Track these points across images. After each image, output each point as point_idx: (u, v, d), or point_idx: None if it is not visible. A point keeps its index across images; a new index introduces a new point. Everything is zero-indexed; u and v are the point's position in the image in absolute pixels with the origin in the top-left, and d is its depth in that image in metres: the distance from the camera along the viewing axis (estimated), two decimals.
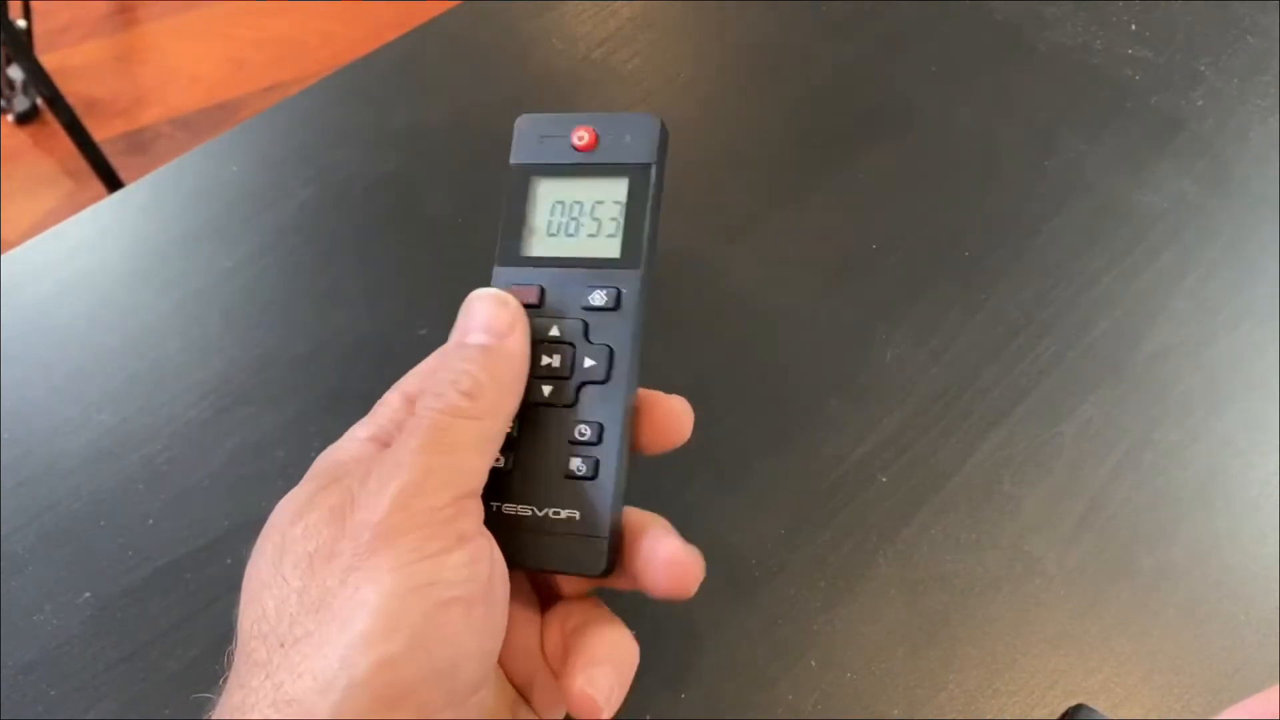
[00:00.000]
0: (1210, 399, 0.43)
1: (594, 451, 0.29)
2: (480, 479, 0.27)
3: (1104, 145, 0.50)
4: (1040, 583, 0.38)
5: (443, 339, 0.31)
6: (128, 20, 1.65)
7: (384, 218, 0.48)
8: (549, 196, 0.32)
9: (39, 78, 1.24)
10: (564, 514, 0.29)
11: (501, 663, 0.30)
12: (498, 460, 0.29)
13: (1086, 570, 0.38)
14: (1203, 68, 0.53)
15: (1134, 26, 0.55)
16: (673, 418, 0.31)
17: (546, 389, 0.30)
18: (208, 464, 0.41)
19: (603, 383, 0.30)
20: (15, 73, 1.48)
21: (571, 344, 0.30)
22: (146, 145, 1.49)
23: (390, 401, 0.31)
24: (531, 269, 0.31)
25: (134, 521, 0.39)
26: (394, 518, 0.24)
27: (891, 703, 0.36)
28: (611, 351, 0.30)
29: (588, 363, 0.30)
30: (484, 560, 0.26)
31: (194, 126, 1.51)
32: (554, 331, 0.30)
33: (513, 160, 0.32)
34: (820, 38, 0.55)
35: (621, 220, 0.31)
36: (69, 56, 1.59)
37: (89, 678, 0.36)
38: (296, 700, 0.22)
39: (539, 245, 0.31)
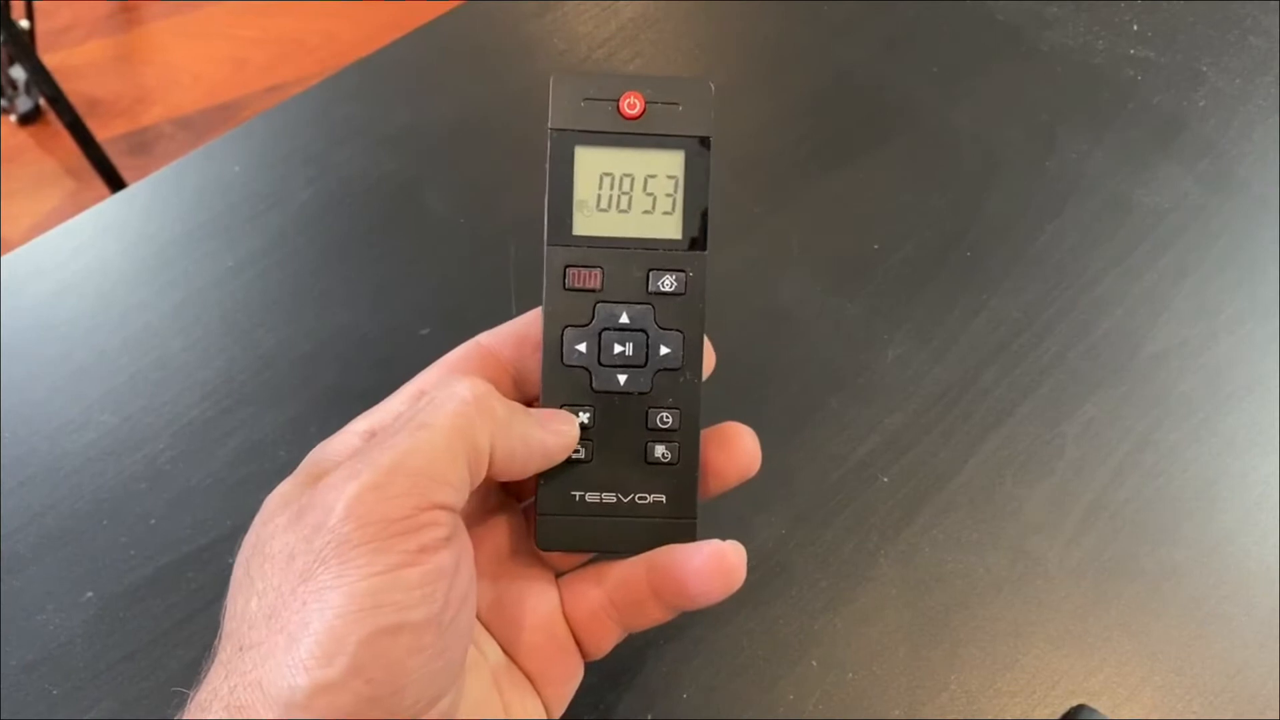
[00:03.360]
0: (1212, 399, 0.43)
1: (675, 438, 0.30)
2: (457, 494, 0.25)
3: (1106, 145, 0.50)
4: (1042, 583, 0.38)
5: (443, 338, 0.31)
6: (130, 20, 1.65)
7: (385, 218, 0.48)
8: (595, 167, 0.29)
9: (41, 78, 1.23)
10: (650, 499, 0.30)
11: (496, 633, 0.29)
12: (576, 451, 0.29)
13: (1088, 570, 0.38)
14: (1205, 68, 0.53)
15: (1136, 27, 0.55)
16: (746, 456, 0.31)
17: (621, 377, 0.29)
18: (209, 463, 0.41)
19: (677, 369, 0.30)
20: (18, 73, 1.48)
21: (644, 330, 0.29)
22: (149, 145, 1.49)
23: (403, 393, 0.29)
24: (587, 249, 0.29)
25: (136, 521, 0.39)
26: (346, 526, 0.23)
27: (893, 703, 0.36)
28: (685, 337, 0.30)
29: (663, 350, 0.29)
30: (444, 576, 0.24)
31: (196, 126, 1.51)
32: (624, 319, 0.29)
33: (552, 124, 0.29)
34: (821, 38, 0.55)
35: (679, 198, 0.29)
36: (71, 56, 1.58)
37: (90, 677, 0.36)
38: (246, 706, 0.22)
39: (590, 222, 0.29)
